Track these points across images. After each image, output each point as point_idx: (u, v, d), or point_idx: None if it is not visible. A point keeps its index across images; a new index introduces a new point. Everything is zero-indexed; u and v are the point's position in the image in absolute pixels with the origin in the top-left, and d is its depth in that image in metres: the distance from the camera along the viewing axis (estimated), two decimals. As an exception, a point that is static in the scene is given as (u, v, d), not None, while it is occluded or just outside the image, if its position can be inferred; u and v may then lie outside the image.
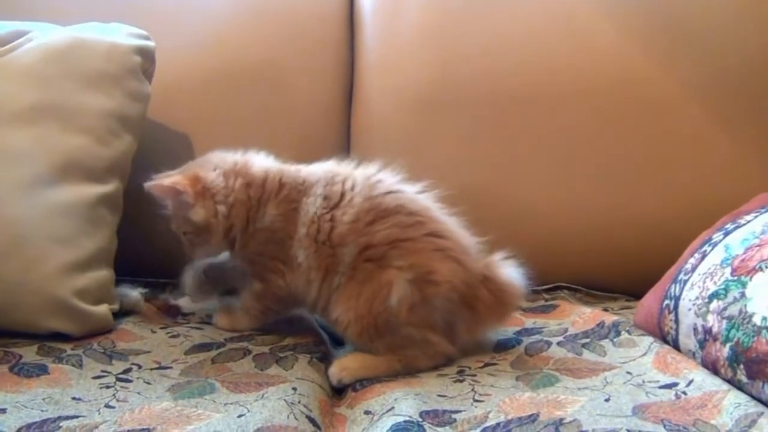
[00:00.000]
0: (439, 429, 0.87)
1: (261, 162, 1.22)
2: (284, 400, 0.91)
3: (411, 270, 1.06)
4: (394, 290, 1.06)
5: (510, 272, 1.14)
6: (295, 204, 1.15)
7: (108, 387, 0.98)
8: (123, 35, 1.35)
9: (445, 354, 1.10)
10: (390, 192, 1.14)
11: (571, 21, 1.54)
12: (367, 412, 0.94)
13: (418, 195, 1.16)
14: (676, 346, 1.09)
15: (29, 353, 1.08)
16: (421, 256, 1.08)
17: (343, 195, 1.13)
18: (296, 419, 0.88)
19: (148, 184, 1.16)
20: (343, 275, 1.10)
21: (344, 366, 1.08)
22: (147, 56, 1.36)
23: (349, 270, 1.10)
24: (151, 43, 1.38)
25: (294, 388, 0.96)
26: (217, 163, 1.20)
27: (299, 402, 0.92)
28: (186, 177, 1.17)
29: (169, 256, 1.47)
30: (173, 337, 1.19)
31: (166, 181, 1.17)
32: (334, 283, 1.11)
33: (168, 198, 1.19)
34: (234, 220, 1.17)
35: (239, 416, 0.87)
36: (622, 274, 1.44)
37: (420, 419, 0.88)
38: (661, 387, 0.97)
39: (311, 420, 0.89)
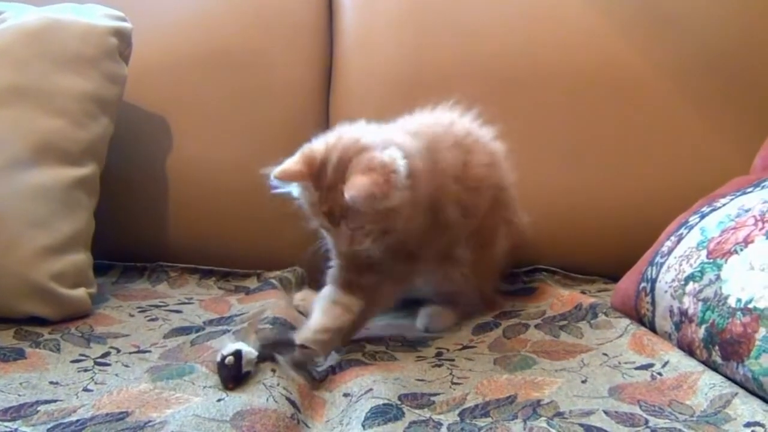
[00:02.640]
0: (417, 411, 0.87)
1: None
2: (263, 383, 0.91)
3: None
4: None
5: None
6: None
7: (86, 371, 0.98)
8: (99, 16, 1.34)
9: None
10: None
11: (549, 4, 1.55)
12: (345, 395, 0.94)
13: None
14: (652, 328, 1.10)
15: (6, 337, 1.07)
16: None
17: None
18: (276, 402, 0.87)
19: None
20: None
21: (431, 313, 1.21)
22: (124, 38, 1.35)
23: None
24: (127, 25, 1.36)
25: (273, 370, 0.96)
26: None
27: (278, 385, 0.92)
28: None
29: (146, 239, 1.47)
30: (152, 320, 1.19)
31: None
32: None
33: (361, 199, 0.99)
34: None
35: (218, 400, 0.87)
36: (599, 257, 1.44)
37: (399, 402, 0.89)
38: (637, 368, 0.97)
39: (291, 402, 0.89)
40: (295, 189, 1.06)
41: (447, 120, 1.22)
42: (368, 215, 1.01)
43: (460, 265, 1.21)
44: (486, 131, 1.25)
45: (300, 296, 1.32)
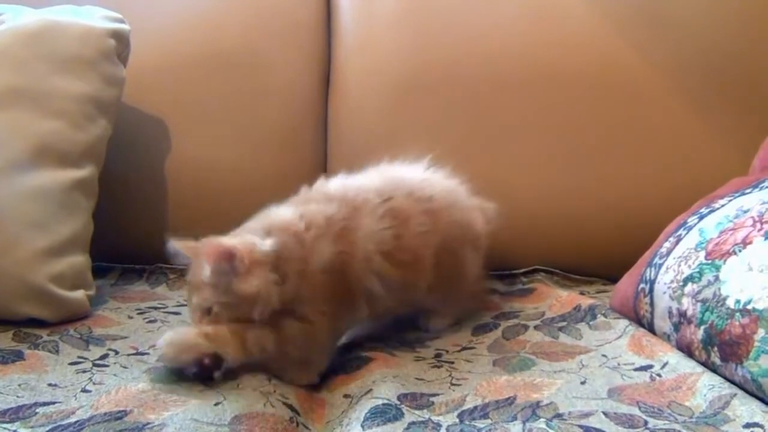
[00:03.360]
0: (416, 412, 0.87)
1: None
2: (260, 391, 0.91)
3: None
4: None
5: None
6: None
7: (84, 372, 0.98)
8: (97, 18, 1.34)
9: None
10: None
11: (548, 6, 1.54)
12: (346, 396, 0.94)
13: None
14: (651, 329, 1.10)
15: (4, 339, 1.07)
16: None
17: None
18: (273, 407, 0.87)
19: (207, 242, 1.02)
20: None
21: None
22: (122, 40, 1.35)
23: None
24: (125, 27, 1.36)
25: (269, 378, 0.96)
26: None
27: (275, 391, 0.92)
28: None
29: (145, 241, 1.46)
30: (150, 322, 1.19)
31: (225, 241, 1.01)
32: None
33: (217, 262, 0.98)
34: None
35: (216, 404, 0.87)
36: (598, 258, 1.45)
37: (398, 402, 0.89)
38: (636, 369, 0.97)
39: (289, 406, 0.89)
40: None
41: (393, 182, 1.15)
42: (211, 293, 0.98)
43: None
44: (442, 182, 1.23)
45: None
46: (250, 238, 1.01)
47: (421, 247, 1.11)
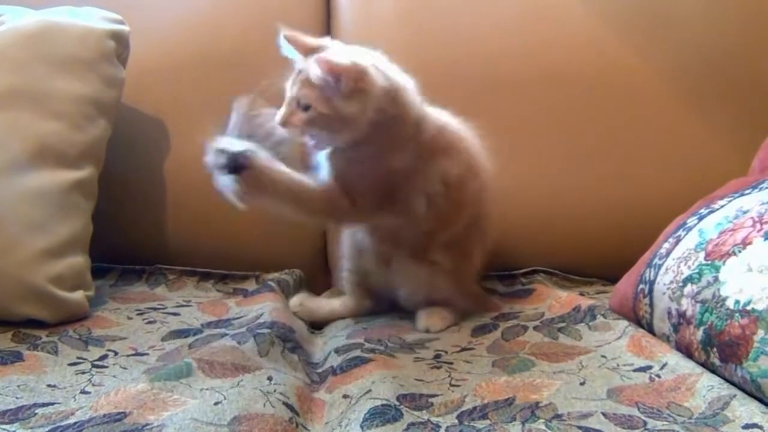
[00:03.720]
0: (416, 413, 0.87)
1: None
2: (260, 390, 0.91)
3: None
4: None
5: None
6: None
7: (83, 373, 0.98)
8: (97, 19, 1.34)
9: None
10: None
11: (547, 6, 1.55)
12: (345, 396, 0.94)
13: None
14: (650, 330, 1.10)
15: (4, 340, 1.07)
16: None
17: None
18: (273, 407, 0.87)
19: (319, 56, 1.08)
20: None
21: (430, 314, 1.21)
22: (121, 41, 1.35)
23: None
24: (125, 28, 1.36)
25: (269, 378, 0.96)
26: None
27: (275, 391, 0.92)
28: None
29: (144, 242, 1.47)
30: (150, 323, 1.19)
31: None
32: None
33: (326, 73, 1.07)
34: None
35: (215, 403, 0.87)
36: (597, 259, 1.45)
37: (397, 403, 0.89)
38: (635, 370, 0.97)
39: (288, 406, 0.89)
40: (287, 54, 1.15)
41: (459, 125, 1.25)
42: (315, 97, 1.08)
43: (439, 271, 1.23)
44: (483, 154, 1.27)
45: (297, 301, 1.32)
46: (372, 68, 1.11)
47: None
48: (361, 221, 1.22)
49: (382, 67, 1.13)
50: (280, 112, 1.11)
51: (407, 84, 1.17)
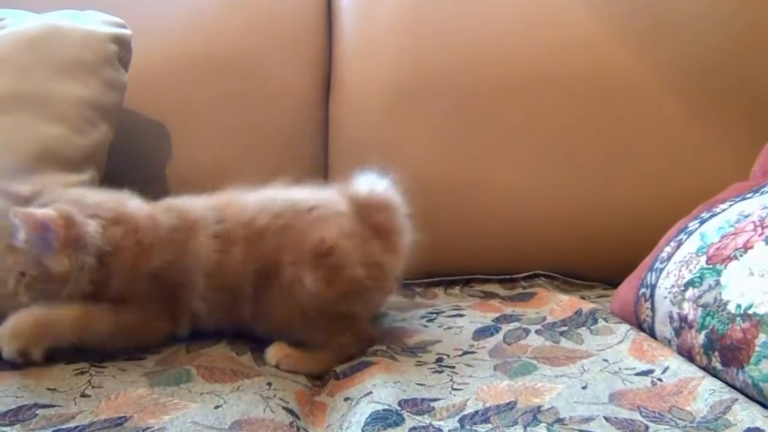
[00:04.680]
0: (417, 417, 0.87)
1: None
2: (259, 395, 0.91)
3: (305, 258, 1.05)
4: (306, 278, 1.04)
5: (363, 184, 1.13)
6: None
7: (83, 373, 0.97)
8: (99, 23, 1.34)
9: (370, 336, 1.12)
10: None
11: (547, 11, 1.55)
12: (346, 399, 0.94)
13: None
14: (652, 334, 1.10)
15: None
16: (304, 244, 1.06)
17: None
18: (272, 411, 0.87)
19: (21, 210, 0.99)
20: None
21: (286, 352, 1.06)
22: (123, 44, 1.35)
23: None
24: (127, 32, 1.37)
25: (269, 383, 0.96)
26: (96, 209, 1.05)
27: (275, 396, 0.92)
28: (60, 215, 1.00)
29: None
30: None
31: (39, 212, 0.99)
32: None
33: (31, 231, 0.98)
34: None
35: (216, 407, 0.87)
36: (598, 263, 1.45)
37: (399, 408, 0.89)
38: (637, 374, 0.97)
39: (289, 410, 0.89)
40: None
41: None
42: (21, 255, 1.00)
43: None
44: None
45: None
46: (78, 214, 1.01)
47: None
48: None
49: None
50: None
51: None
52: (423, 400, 0.92)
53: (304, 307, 1.05)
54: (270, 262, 1.06)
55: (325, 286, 1.03)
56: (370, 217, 1.10)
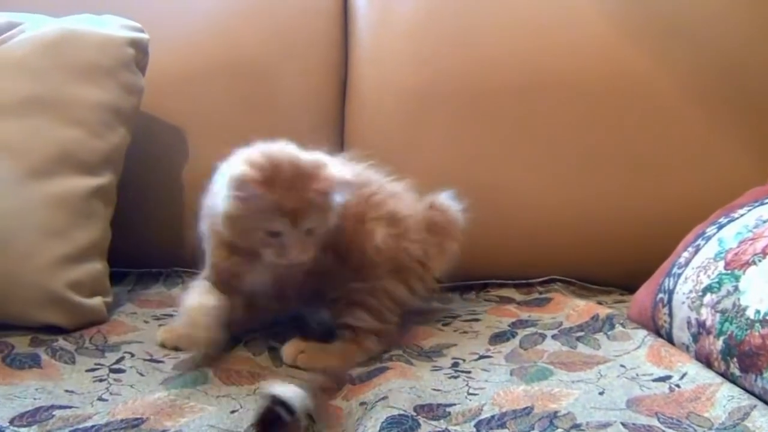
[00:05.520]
0: (433, 423, 0.87)
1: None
2: None
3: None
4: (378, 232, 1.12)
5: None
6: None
7: (101, 380, 0.98)
8: (116, 27, 1.35)
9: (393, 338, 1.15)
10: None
11: (563, 15, 1.54)
12: (362, 403, 0.93)
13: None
14: (669, 340, 1.09)
15: (22, 345, 1.07)
16: None
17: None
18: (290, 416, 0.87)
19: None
20: None
21: (302, 348, 1.08)
22: (140, 48, 1.36)
23: None
24: (144, 36, 1.37)
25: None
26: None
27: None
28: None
29: (162, 247, 1.47)
30: (166, 329, 1.19)
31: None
32: None
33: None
34: None
35: (232, 411, 0.87)
36: (615, 268, 1.44)
37: (414, 413, 0.88)
38: (654, 380, 0.97)
39: (305, 414, 0.89)
40: (246, 196, 0.98)
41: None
42: (323, 213, 1.02)
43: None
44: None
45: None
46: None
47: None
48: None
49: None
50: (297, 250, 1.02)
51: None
52: (439, 405, 0.92)
53: (365, 262, 1.11)
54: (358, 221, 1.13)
55: (389, 244, 1.11)
56: (431, 213, 1.22)
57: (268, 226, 0.99)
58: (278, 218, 0.99)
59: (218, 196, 1.02)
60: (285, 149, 1.05)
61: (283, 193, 0.99)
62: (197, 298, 1.05)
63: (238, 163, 1.01)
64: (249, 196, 0.97)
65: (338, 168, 1.04)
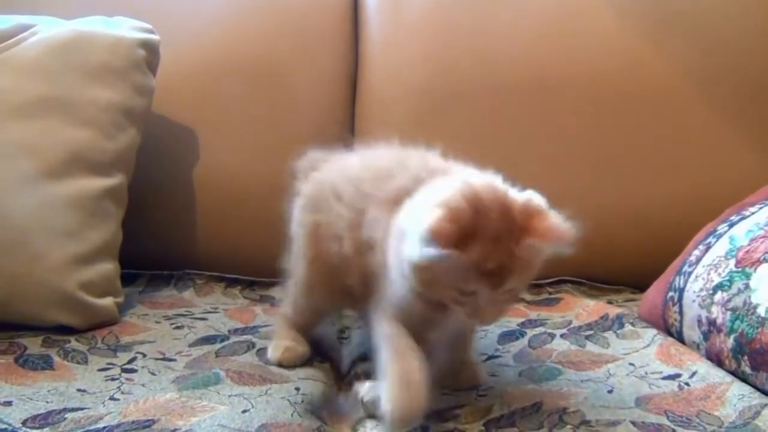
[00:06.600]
0: (442, 424, 0.87)
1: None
2: (287, 400, 0.92)
3: None
4: None
5: None
6: None
7: (113, 379, 0.98)
8: (127, 29, 1.35)
9: None
10: None
11: (575, 12, 1.54)
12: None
13: None
14: (680, 338, 1.09)
15: (34, 345, 1.08)
16: None
17: None
18: (300, 416, 0.88)
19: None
20: None
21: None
22: (151, 50, 1.37)
23: None
24: (155, 37, 1.38)
25: (297, 388, 0.96)
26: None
27: (302, 401, 0.92)
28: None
29: (173, 249, 1.48)
30: (177, 328, 1.19)
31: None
32: None
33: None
34: None
35: (243, 411, 0.88)
36: (626, 267, 1.43)
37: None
38: (664, 378, 0.97)
39: (316, 415, 0.89)
40: (437, 255, 0.78)
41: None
42: (529, 270, 0.84)
43: None
44: None
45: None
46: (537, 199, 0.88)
47: None
48: None
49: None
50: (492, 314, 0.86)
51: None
52: (448, 407, 0.91)
53: None
54: None
55: None
56: None
57: (462, 286, 0.82)
58: (475, 280, 0.81)
59: (407, 240, 0.82)
60: (492, 189, 0.85)
61: (486, 251, 0.79)
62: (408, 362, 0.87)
63: (433, 207, 0.80)
64: (442, 255, 0.78)
65: (554, 216, 0.86)
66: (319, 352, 1.10)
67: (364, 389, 0.90)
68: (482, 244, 0.79)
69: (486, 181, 0.88)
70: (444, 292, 0.83)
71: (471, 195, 0.82)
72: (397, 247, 0.84)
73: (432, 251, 0.77)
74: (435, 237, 0.77)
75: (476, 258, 0.79)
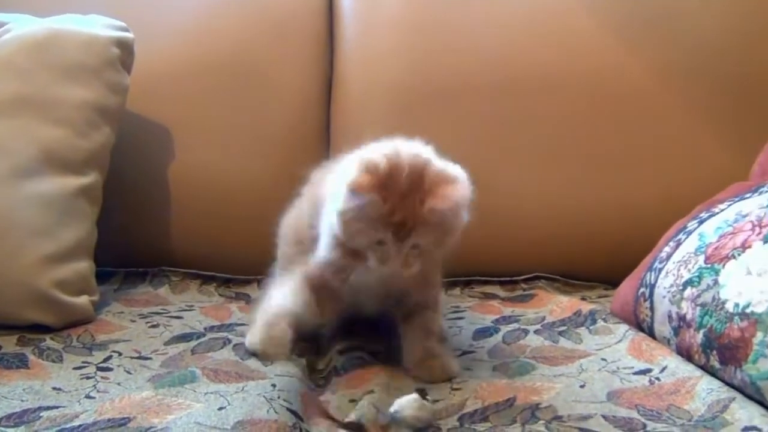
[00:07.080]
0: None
1: None
2: (263, 396, 0.92)
3: None
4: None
5: None
6: None
7: (89, 378, 0.98)
8: (101, 27, 1.35)
9: None
10: None
11: (550, 13, 1.55)
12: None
13: None
14: (651, 334, 1.11)
15: (9, 344, 1.08)
16: None
17: None
18: (276, 413, 0.88)
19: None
20: None
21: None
22: (126, 48, 1.36)
23: None
24: (129, 35, 1.38)
25: (273, 385, 0.96)
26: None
27: (278, 397, 0.92)
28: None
29: (148, 247, 1.47)
30: (153, 327, 1.19)
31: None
32: None
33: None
34: None
35: (219, 408, 0.88)
36: (599, 263, 1.45)
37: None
38: (635, 373, 0.98)
39: (292, 412, 0.90)
40: (356, 203, 0.93)
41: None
42: (436, 231, 0.95)
43: None
44: None
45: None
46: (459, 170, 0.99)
47: None
48: None
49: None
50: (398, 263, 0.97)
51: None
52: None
53: None
54: None
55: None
56: None
57: (373, 234, 0.95)
58: (382, 229, 0.94)
59: (336, 194, 0.96)
60: (415, 155, 0.98)
61: (394, 204, 0.93)
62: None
63: (357, 162, 0.95)
64: (359, 203, 0.92)
65: (462, 188, 0.95)
66: (296, 348, 1.10)
67: (400, 405, 0.90)
68: (392, 199, 0.93)
69: (413, 148, 1.00)
70: (361, 239, 0.96)
71: (392, 156, 0.96)
72: (328, 204, 1.00)
73: (354, 198, 0.92)
74: (357, 187, 0.92)
75: (386, 210, 0.93)
